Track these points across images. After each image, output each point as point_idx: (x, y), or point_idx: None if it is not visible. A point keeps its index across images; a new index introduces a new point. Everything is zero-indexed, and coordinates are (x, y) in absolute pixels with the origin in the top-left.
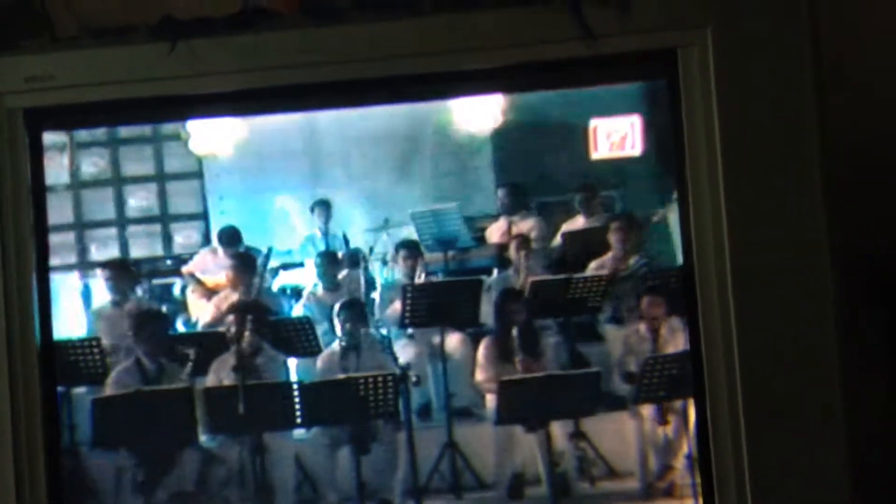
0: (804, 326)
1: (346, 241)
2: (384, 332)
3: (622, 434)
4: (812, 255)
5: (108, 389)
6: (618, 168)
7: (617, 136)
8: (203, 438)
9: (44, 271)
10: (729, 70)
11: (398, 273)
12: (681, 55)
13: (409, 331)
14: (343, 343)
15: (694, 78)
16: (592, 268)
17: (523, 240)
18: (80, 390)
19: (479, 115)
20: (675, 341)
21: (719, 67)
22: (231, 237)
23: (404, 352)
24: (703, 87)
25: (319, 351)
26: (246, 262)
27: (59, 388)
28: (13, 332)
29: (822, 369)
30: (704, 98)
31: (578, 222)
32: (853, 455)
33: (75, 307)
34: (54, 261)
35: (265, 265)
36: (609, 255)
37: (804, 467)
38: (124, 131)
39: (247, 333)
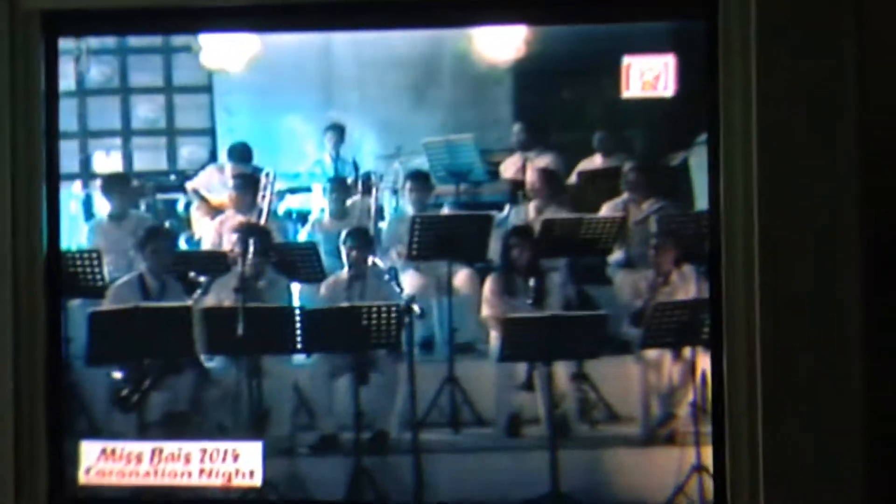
0: (829, 280)
1: (357, 168)
2: (390, 262)
3: (625, 379)
4: (842, 208)
5: (107, 303)
6: (641, 108)
7: (650, 74)
8: (201, 358)
9: (54, 178)
10: (770, 13)
11: (407, 203)
12: None
13: (417, 262)
14: (348, 271)
15: (734, 19)
16: (606, 209)
17: (538, 176)
18: (76, 303)
19: (501, 45)
20: (687, 288)
21: (761, 10)
22: (241, 154)
23: (410, 283)
24: (742, 29)
25: (324, 277)
26: (251, 183)
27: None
28: (19, 238)
29: (844, 325)
30: (743, 41)
31: (595, 161)
32: (868, 405)
33: (76, 217)
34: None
35: (270, 188)
36: (624, 197)
37: (819, 421)
38: (135, 41)
39: (250, 255)
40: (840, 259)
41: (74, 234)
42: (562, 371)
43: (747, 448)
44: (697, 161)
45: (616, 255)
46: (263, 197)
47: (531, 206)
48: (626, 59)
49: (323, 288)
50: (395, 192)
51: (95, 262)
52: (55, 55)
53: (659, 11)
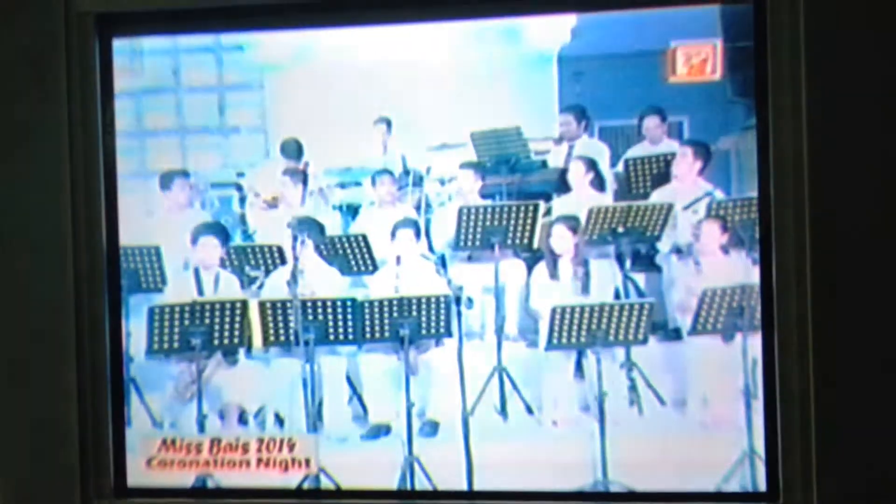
0: (882, 263)
1: (405, 161)
2: (439, 252)
3: (675, 365)
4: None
5: (166, 298)
6: (690, 93)
7: (697, 59)
8: (256, 351)
9: (111, 177)
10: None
11: (455, 194)
12: None
13: (465, 252)
14: (397, 262)
15: (783, 3)
16: (654, 196)
17: (584, 165)
18: (136, 297)
19: (546, 34)
20: (737, 274)
21: None
22: (293, 150)
23: (459, 273)
24: (791, 11)
25: (374, 269)
26: (302, 178)
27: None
28: (80, 236)
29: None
30: (792, 23)
31: (644, 148)
32: None
33: (135, 215)
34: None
35: (321, 182)
36: (673, 184)
37: (872, 405)
38: (187, 40)
39: (302, 249)
40: (893, 241)
41: (134, 231)
42: (610, 358)
43: (799, 433)
44: (746, 146)
45: (665, 242)
46: (314, 191)
47: (577, 195)
48: (673, 44)
49: (373, 279)
50: (442, 182)
51: (154, 258)
52: (109, 55)
53: None
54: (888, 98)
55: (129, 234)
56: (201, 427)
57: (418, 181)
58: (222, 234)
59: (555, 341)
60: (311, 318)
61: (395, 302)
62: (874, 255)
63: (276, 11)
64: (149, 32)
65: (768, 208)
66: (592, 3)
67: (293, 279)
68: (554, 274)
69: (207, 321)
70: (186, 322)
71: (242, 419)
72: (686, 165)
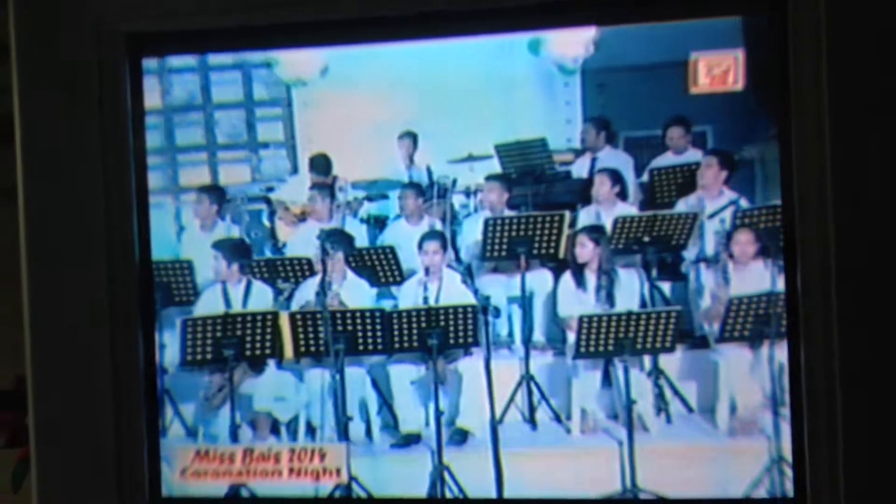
0: None
1: (430, 173)
2: (466, 263)
3: (702, 373)
4: None
5: (198, 311)
6: (713, 103)
7: (719, 69)
8: (287, 362)
9: (143, 193)
10: (842, 7)
11: (481, 205)
12: None
13: (491, 263)
14: (425, 273)
15: (804, 10)
16: (680, 205)
17: (609, 176)
18: (170, 311)
19: (569, 46)
20: (763, 282)
21: (832, 3)
22: (321, 164)
23: (485, 284)
24: (812, 20)
25: (402, 280)
26: (330, 192)
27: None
28: (114, 252)
29: None
30: (814, 32)
31: (667, 158)
32: None
33: (168, 230)
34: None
35: (348, 196)
36: (698, 193)
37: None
38: (215, 58)
39: (331, 261)
40: None
41: (167, 246)
42: (637, 367)
43: (826, 440)
44: (771, 154)
45: (690, 251)
46: (341, 204)
47: (601, 206)
48: (694, 55)
49: (401, 290)
50: (468, 195)
51: (187, 272)
52: (139, 74)
53: (727, 6)
54: None
55: (161, 249)
56: (234, 437)
57: (444, 193)
58: (252, 248)
59: (582, 350)
60: (340, 328)
61: (422, 312)
62: None
63: (302, 29)
64: (177, 51)
65: (792, 216)
66: (613, 16)
67: (322, 291)
68: (580, 283)
69: (239, 333)
70: (219, 334)
71: (275, 429)
72: (711, 175)
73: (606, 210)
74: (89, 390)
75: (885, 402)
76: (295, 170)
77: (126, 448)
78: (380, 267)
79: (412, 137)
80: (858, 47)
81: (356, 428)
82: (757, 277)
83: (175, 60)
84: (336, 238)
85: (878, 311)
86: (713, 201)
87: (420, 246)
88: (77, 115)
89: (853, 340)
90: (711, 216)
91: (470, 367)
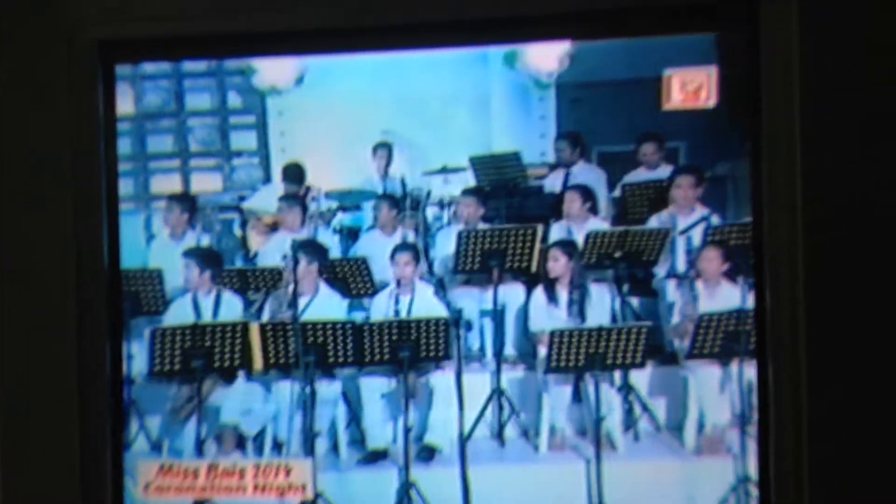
0: (876, 291)
1: (404, 185)
2: (439, 275)
3: (671, 390)
4: (890, 218)
5: (167, 321)
6: (686, 119)
7: (692, 86)
8: (256, 373)
9: (113, 200)
10: (813, 25)
11: (454, 218)
12: (763, 7)
13: (464, 276)
14: (397, 285)
15: (775, 28)
16: (652, 221)
17: (581, 190)
18: (137, 320)
19: (544, 60)
20: (732, 298)
21: (803, 18)
22: (294, 174)
23: (458, 297)
24: (784, 37)
25: (374, 292)
26: (303, 201)
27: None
28: (83, 260)
29: (889, 336)
30: (785, 50)
31: (640, 174)
32: None
33: (137, 238)
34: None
35: (320, 206)
36: (670, 209)
37: (867, 431)
38: (189, 65)
39: (303, 272)
40: (886, 268)
41: (136, 255)
42: (608, 382)
43: (793, 459)
44: (742, 171)
45: (662, 267)
46: (314, 214)
47: (573, 221)
48: (668, 71)
49: (373, 302)
50: (441, 206)
51: (157, 281)
52: (112, 82)
53: (700, 23)
54: (881, 123)
55: (131, 258)
56: (199, 451)
57: (418, 205)
58: (223, 257)
59: (553, 365)
60: (311, 341)
61: (394, 325)
62: (868, 279)
63: (278, 37)
64: (151, 59)
65: (761, 233)
66: (587, 31)
67: (293, 302)
68: (552, 298)
69: (209, 343)
70: (188, 344)
71: (240, 444)
72: (682, 191)
73: (578, 225)
74: (55, 401)
75: (851, 423)
76: (268, 179)
77: (90, 461)
78: (352, 278)
79: (387, 148)
80: (830, 64)
81: (323, 443)
82: (727, 294)
83: (149, 67)
84: (309, 249)
85: (846, 329)
86: (685, 217)
87: (392, 257)
88: (48, 121)
89: (821, 360)
90: (683, 232)
91: (441, 380)
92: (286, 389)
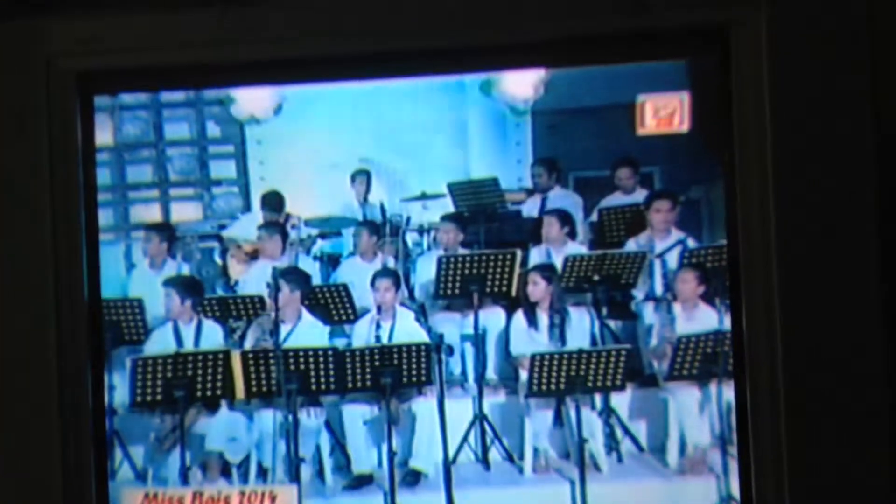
0: (849, 312)
1: (384, 211)
2: (419, 301)
3: (652, 412)
4: (860, 243)
5: (148, 350)
6: (660, 144)
7: (665, 111)
8: (239, 401)
9: (93, 230)
10: (782, 51)
11: (434, 243)
12: (733, 33)
13: (444, 301)
14: (378, 311)
15: (746, 57)
16: (629, 244)
17: (558, 215)
18: (119, 350)
19: (521, 88)
20: (710, 321)
21: (772, 48)
22: (273, 202)
23: (439, 322)
24: (754, 67)
25: (355, 318)
26: (283, 229)
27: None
28: (62, 290)
29: (867, 354)
30: (756, 78)
31: (617, 198)
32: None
33: (118, 268)
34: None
35: (300, 234)
36: (646, 233)
37: (845, 453)
38: (168, 96)
39: (285, 299)
40: (859, 290)
41: (116, 284)
42: (589, 405)
43: (773, 479)
44: (717, 195)
45: (640, 290)
46: (294, 242)
47: (552, 245)
48: (641, 97)
49: (354, 328)
50: (421, 233)
51: (137, 311)
52: (91, 113)
53: (672, 49)
54: (852, 145)
55: (111, 288)
56: (184, 479)
57: (398, 231)
58: (203, 286)
59: (535, 388)
60: (293, 368)
61: (376, 351)
62: (842, 300)
63: (255, 67)
64: (129, 89)
65: (736, 255)
66: (561, 59)
67: (275, 330)
68: (532, 322)
69: (190, 372)
70: (169, 374)
71: (225, 471)
72: (659, 214)
73: (557, 249)
74: (36, 432)
75: (829, 442)
76: (248, 207)
77: (74, 490)
78: (333, 305)
79: (366, 175)
80: (801, 88)
81: (308, 469)
82: (704, 316)
83: (127, 98)
84: (292, 276)
85: (822, 348)
86: (662, 241)
87: (373, 284)
88: (26, 154)
89: (798, 379)
90: (659, 255)
91: (423, 406)
92: (269, 417)
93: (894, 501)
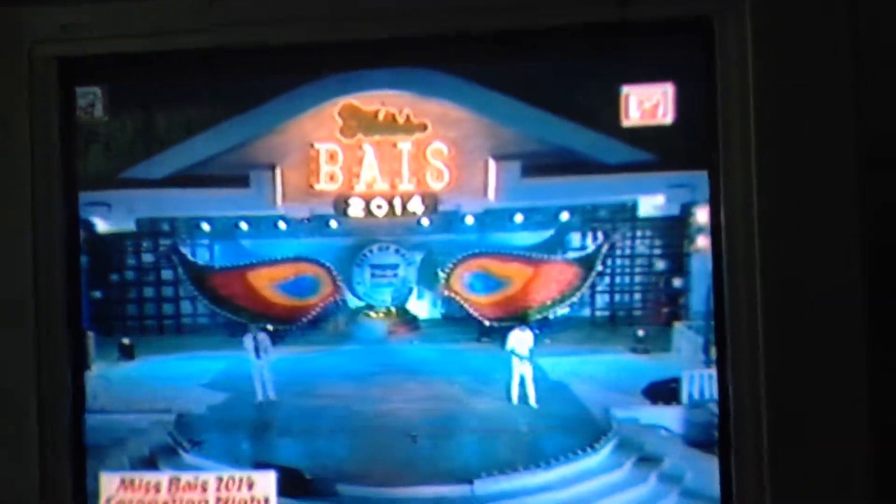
0: (833, 316)
1: None
2: None
3: None
4: (845, 239)
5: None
6: (642, 136)
7: (649, 103)
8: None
9: (74, 232)
10: (767, 43)
11: None
12: (717, 24)
13: None
14: None
15: (730, 49)
16: None
17: None
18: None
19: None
20: None
21: (756, 40)
22: None
23: None
24: (739, 58)
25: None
26: None
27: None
28: (40, 286)
29: (849, 359)
30: (740, 70)
31: None
32: (877, 459)
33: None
34: None
35: None
36: None
37: (825, 445)
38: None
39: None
40: (844, 294)
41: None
42: None
43: (754, 473)
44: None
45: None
46: None
47: None
48: (625, 89)
49: None
50: None
51: None
52: (73, 100)
53: (655, 40)
54: (837, 141)
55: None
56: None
57: None
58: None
59: None
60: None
61: None
62: (826, 303)
63: (245, 57)
64: (112, 80)
65: (719, 255)
66: (541, 51)
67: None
68: None
69: None
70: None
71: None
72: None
73: None
74: (13, 402)
75: (809, 439)
76: None
77: (51, 480)
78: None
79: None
80: (785, 79)
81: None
82: None
83: (113, 88)
84: None
85: (804, 352)
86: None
87: None
88: (6, 140)
89: (781, 395)
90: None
91: None
92: None
93: (878, 495)
